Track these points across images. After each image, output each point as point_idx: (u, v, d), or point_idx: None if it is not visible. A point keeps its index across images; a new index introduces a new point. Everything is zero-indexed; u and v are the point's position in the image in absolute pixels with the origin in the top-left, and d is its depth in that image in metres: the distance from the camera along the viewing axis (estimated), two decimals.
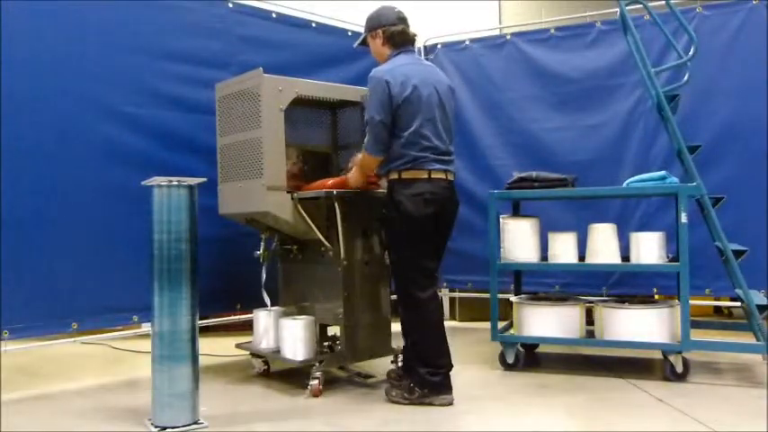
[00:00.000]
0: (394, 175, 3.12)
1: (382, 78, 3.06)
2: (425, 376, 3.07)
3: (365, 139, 3.12)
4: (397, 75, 3.06)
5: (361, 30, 4.36)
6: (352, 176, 3.33)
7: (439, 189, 3.10)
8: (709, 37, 4.29)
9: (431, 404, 3.06)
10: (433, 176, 3.09)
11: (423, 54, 5.20)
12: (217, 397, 3.28)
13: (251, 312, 3.73)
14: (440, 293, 3.42)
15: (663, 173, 3.66)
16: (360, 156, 3.28)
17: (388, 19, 3.22)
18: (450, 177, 3.19)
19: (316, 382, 3.26)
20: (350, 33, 4.81)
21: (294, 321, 3.40)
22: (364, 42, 3.37)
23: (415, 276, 3.10)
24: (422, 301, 3.09)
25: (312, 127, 4.01)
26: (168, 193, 2.77)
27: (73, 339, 3.62)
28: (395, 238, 3.17)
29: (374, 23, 3.26)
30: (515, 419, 2.89)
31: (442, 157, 3.14)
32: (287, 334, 3.39)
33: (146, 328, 3.90)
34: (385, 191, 3.26)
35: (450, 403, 3.08)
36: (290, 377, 3.63)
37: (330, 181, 3.40)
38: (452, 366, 3.13)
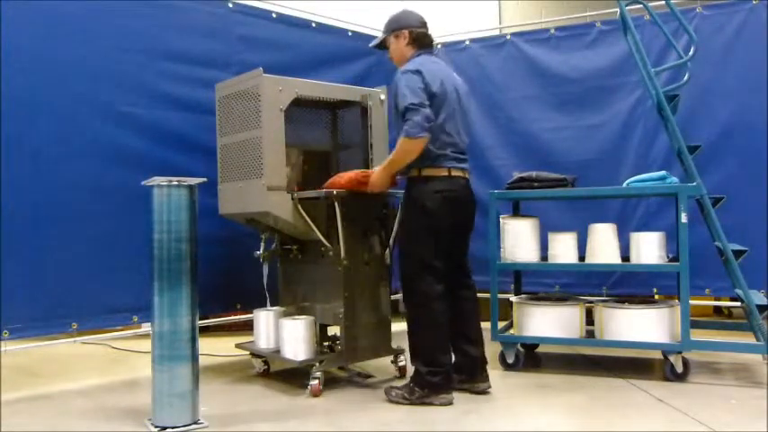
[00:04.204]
0: (414, 173, 3.12)
1: (415, 70, 3.05)
2: (426, 377, 3.07)
3: (406, 125, 2.95)
4: (426, 70, 3.07)
5: (362, 30, 4.35)
6: (378, 177, 3.23)
7: (458, 187, 3.15)
8: (709, 37, 4.30)
9: (431, 404, 3.06)
10: (452, 174, 3.12)
11: None
12: (217, 397, 3.28)
13: (251, 312, 3.73)
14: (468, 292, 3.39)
15: (663, 173, 3.66)
16: (391, 154, 3.13)
17: (414, 21, 3.25)
18: (468, 176, 3.23)
19: (316, 382, 3.26)
20: (350, 33, 4.82)
21: (294, 321, 3.40)
22: (381, 44, 3.34)
23: (425, 274, 3.09)
24: (429, 300, 3.09)
25: (312, 127, 4.01)
26: (168, 193, 2.77)
27: (73, 339, 3.62)
28: (409, 234, 3.16)
29: (400, 24, 3.26)
30: (515, 419, 2.89)
31: (460, 155, 3.19)
32: (287, 334, 3.39)
33: (146, 328, 3.90)
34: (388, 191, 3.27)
35: (450, 403, 3.08)
36: (290, 377, 3.63)
37: (344, 178, 3.33)
38: (452, 366, 3.13)
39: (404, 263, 3.18)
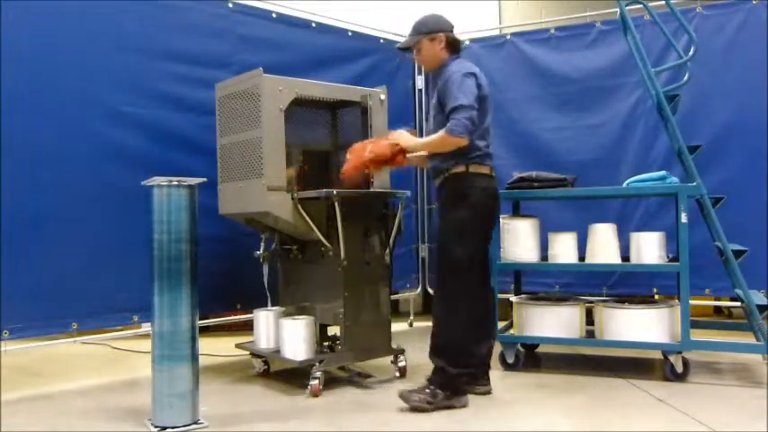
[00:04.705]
0: (460, 168, 3.10)
1: (470, 71, 3.07)
2: (454, 378, 3.02)
3: (452, 123, 2.95)
4: (477, 73, 3.10)
5: (362, 30, 4.32)
6: (413, 145, 3.17)
7: (496, 186, 3.22)
8: (709, 37, 4.30)
9: (452, 407, 3.01)
10: (492, 174, 3.19)
11: None
12: (217, 397, 3.28)
13: (251, 312, 3.73)
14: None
15: (663, 173, 3.66)
16: (429, 138, 3.11)
17: (448, 25, 3.23)
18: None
19: (316, 381, 3.26)
20: (350, 33, 4.81)
21: (294, 321, 3.40)
22: (409, 47, 3.26)
23: (473, 270, 3.09)
24: (473, 297, 3.08)
25: (312, 127, 4.00)
26: (168, 193, 2.77)
27: (73, 339, 3.61)
28: (456, 229, 3.08)
29: (435, 27, 3.19)
30: (515, 419, 2.89)
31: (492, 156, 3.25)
32: (287, 334, 3.38)
33: (146, 328, 3.89)
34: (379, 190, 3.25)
35: (467, 405, 3.05)
36: (290, 377, 3.63)
37: (368, 152, 3.21)
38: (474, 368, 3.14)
39: (447, 259, 3.08)
